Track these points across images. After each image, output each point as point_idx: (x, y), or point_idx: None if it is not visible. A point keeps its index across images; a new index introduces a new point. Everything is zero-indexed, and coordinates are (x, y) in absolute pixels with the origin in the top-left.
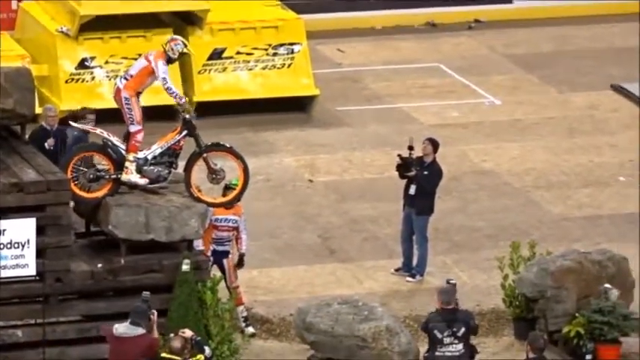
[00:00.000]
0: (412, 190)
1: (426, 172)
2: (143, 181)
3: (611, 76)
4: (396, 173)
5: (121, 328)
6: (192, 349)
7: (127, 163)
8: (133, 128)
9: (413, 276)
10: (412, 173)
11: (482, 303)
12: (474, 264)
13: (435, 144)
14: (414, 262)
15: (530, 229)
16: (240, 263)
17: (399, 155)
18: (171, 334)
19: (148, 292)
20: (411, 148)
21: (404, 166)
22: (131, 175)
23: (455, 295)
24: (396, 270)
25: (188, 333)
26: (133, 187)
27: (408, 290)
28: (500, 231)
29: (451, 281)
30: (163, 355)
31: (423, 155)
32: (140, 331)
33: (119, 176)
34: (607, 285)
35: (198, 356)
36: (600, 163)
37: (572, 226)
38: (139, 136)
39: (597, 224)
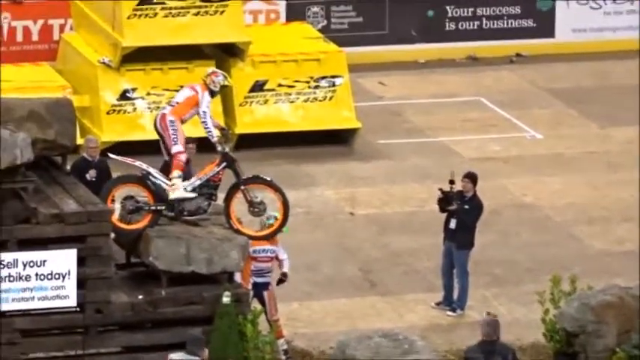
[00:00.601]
0: (453, 224)
1: (466, 207)
2: (192, 195)
3: None
4: (437, 207)
5: (177, 357)
6: None
7: (173, 180)
8: (175, 149)
9: (454, 310)
10: (453, 207)
11: (523, 337)
12: (514, 298)
13: (474, 179)
14: (455, 295)
15: (570, 264)
16: (282, 280)
17: (440, 189)
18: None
19: (197, 331)
20: (452, 182)
21: (445, 200)
22: (178, 191)
23: (498, 329)
24: (437, 304)
25: None
26: (174, 218)
27: (448, 324)
28: (540, 265)
29: (490, 314)
30: None
31: (464, 190)
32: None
33: (158, 208)
34: None
35: None
36: None
37: (613, 261)
38: (182, 157)
39: (638, 259)
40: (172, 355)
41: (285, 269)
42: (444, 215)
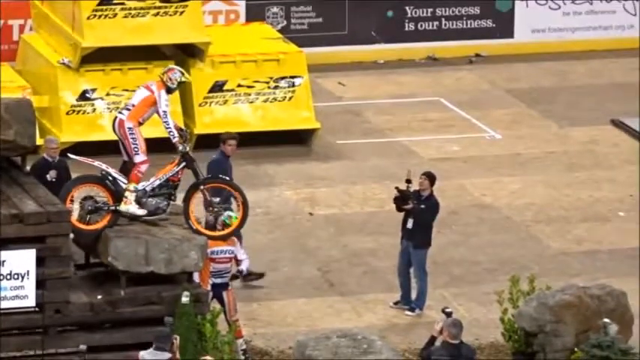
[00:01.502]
0: (410, 223)
1: (423, 206)
2: (142, 212)
3: (611, 111)
4: (394, 207)
5: (147, 355)
6: None
7: (126, 194)
8: (138, 158)
9: (412, 310)
10: (409, 206)
11: (481, 337)
12: (473, 298)
13: (431, 178)
14: (413, 295)
15: (529, 264)
16: (235, 277)
17: (396, 188)
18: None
19: (170, 317)
20: (408, 181)
21: (401, 199)
22: (130, 206)
23: (462, 329)
24: (395, 303)
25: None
26: (132, 218)
27: (406, 324)
28: (499, 265)
29: (447, 310)
30: None
31: (420, 189)
32: (166, 355)
33: (118, 208)
34: (606, 320)
35: None
36: (600, 198)
37: (572, 260)
38: (143, 167)
39: (596, 259)
40: (142, 353)
41: (243, 267)
42: (403, 215)
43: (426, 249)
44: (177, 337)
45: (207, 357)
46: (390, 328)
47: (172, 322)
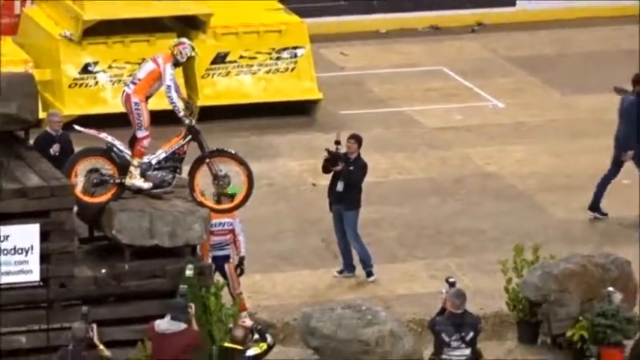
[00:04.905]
0: (340, 186)
1: (351, 167)
2: (147, 186)
3: (614, 78)
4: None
5: (164, 325)
6: (253, 337)
7: (131, 168)
8: (140, 133)
9: (369, 275)
10: (339, 167)
11: (486, 306)
12: (477, 267)
13: (359, 139)
14: (356, 260)
15: (533, 233)
16: (239, 266)
17: (327, 149)
18: (231, 325)
19: (185, 286)
20: (337, 142)
21: (331, 161)
22: (135, 180)
23: (465, 299)
24: (339, 272)
25: (248, 322)
26: (136, 191)
27: (411, 294)
28: (503, 234)
29: (450, 280)
30: (226, 344)
31: (348, 152)
32: (182, 325)
33: (123, 181)
34: (610, 288)
35: (261, 344)
36: (604, 166)
37: (576, 229)
38: (146, 142)
39: (601, 227)
40: (159, 322)
41: (242, 251)
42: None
43: (357, 210)
44: (193, 306)
45: (247, 319)
46: (394, 299)
47: (187, 291)
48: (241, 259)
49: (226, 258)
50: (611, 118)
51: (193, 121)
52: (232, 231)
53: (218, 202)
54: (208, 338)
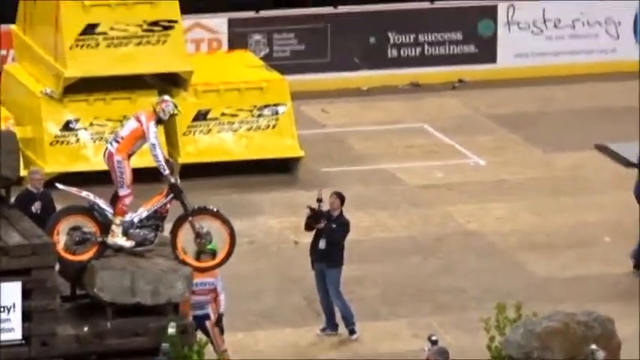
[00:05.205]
0: (322, 244)
1: (334, 225)
2: (129, 244)
3: (595, 135)
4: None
5: None
6: None
7: (113, 226)
8: (122, 192)
9: (352, 333)
10: (321, 225)
11: None
12: (459, 325)
13: (341, 197)
14: (338, 317)
15: (515, 291)
16: (218, 323)
17: (309, 207)
18: None
19: (167, 344)
20: (319, 200)
21: (313, 218)
22: (117, 238)
23: (448, 357)
24: (322, 330)
25: None
26: (118, 250)
27: (393, 353)
28: (485, 292)
29: (432, 337)
30: None
31: (331, 209)
32: None
33: (105, 239)
34: (593, 346)
35: None
36: (585, 224)
37: (558, 287)
38: (127, 200)
39: (583, 285)
40: None
41: (222, 309)
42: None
43: (340, 268)
44: None
45: None
46: (377, 357)
47: (169, 349)
48: (220, 316)
49: (206, 317)
50: (590, 175)
51: (178, 180)
52: (214, 290)
53: (197, 259)
54: None
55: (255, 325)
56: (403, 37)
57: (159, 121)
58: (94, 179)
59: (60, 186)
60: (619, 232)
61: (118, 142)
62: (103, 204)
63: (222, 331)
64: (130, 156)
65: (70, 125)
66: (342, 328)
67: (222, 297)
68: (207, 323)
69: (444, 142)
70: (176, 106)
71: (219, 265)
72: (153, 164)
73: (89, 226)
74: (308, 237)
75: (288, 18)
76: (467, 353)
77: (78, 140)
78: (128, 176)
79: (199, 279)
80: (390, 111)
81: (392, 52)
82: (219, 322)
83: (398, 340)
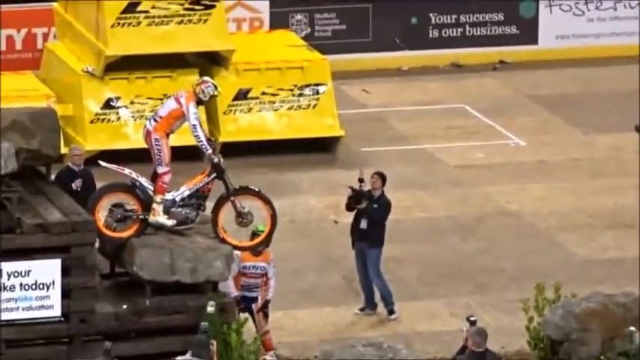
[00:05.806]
0: (363, 224)
1: (375, 205)
2: (170, 223)
3: (635, 117)
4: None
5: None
6: None
7: (154, 205)
8: (160, 169)
9: (391, 312)
10: (362, 205)
11: (507, 345)
12: (498, 306)
13: (383, 177)
14: (377, 297)
15: (554, 271)
16: (263, 308)
17: (350, 187)
18: None
19: (206, 323)
20: (361, 180)
21: (355, 199)
22: (158, 217)
23: (487, 338)
24: (361, 310)
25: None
26: (159, 228)
27: (432, 332)
28: (524, 273)
29: (471, 318)
30: None
31: (372, 189)
32: None
33: (146, 217)
34: (632, 328)
35: None
36: (625, 205)
37: (597, 268)
38: (167, 178)
39: (622, 266)
40: (180, 358)
41: (270, 295)
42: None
43: (380, 248)
44: (214, 343)
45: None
46: (415, 337)
47: (208, 328)
48: (266, 302)
49: (255, 299)
50: (630, 157)
51: (220, 159)
52: (264, 274)
53: (252, 240)
54: None
55: (294, 304)
56: (444, 17)
57: (199, 102)
58: (134, 157)
59: (103, 163)
60: None
61: (156, 120)
62: (145, 182)
63: (266, 316)
64: (168, 134)
65: (111, 103)
66: (381, 308)
67: (272, 282)
68: (253, 306)
69: (485, 122)
70: (216, 87)
71: (259, 245)
72: (193, 142)
73: (131, 204)
74: (347, 216)
75: None
76: (505, 333)
77: (119, 118)
78: (166, 154)
79: (252, 262)
80: (431, 91)
81: (433, 33)
82: (265, 306)
83: (436, 320)
